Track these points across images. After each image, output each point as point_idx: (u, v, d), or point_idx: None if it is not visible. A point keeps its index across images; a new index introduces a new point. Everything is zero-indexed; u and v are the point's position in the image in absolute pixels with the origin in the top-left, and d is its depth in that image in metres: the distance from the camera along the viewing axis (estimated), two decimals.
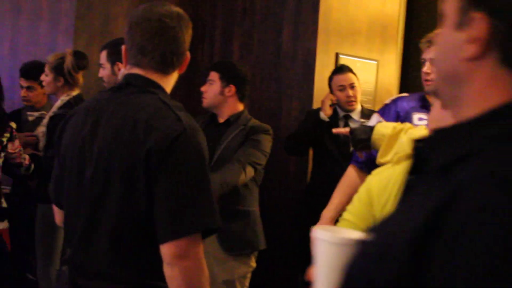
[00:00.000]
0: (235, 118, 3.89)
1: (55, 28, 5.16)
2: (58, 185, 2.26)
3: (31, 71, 4.56)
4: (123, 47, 2.19)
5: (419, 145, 1.09)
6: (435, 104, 1.91)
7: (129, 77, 2.14)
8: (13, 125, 4.01)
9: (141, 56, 2.11)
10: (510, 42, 1.00)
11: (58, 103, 4.29)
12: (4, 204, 3.89)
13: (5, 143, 3.89)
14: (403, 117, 3.22)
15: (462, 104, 1.07)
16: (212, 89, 3.93)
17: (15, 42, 5.39)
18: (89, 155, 2.07)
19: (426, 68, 3.18)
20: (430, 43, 3.16)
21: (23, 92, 4.62)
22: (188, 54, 2.18)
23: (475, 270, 0.83)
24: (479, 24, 1.02)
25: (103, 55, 3.87)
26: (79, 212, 2.10)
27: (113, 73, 3.82)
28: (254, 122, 3.90)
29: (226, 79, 3.91)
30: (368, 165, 3.01)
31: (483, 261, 0.83)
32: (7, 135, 3.85)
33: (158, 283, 2.01)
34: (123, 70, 2.25)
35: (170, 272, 1.95)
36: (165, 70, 2.13)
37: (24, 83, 4.61)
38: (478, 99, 1.04)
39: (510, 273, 0.82)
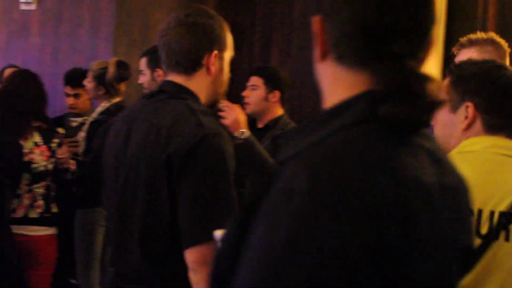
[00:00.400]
0: (273, 123, 3.87)
1: (96, 36, 5.21)
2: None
3: (77, 78, 4.59)
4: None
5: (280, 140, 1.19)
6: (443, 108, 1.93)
7: (162, 84, 2.17)
8: (61, 130, 4.04)
9: (168, 61, 2.12)
10: (341, 42, 1.10)
11: (99, 109, 4.34)
12: (55, 210, 3.93)
13: (54, 148, 3.93)
14: None
15: (324, 101, 1.17)
16: (256, 95, 3.89)
17: (56, 49, 5.46)
18: (122, 163, 2.09)
19: None
20: (462, 46, 3.16)
21: (71, 100, 4.65)
22: (214, 54, 2.12)
23: (272, 238, 0.96)
24: (316, 25, 1.13)
25: (143, 62, 3.91)
26: (114, 218, 2.13)
27: (153, 79, 3.85)
28: (293, 126, 3.86)
29: (271, 85, 3.87)
30: None
31: (280, 234, 0.95)
32: (57, 140, 3.89)
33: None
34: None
35: (194, 278, 1.94)
36: (187, 72, 2.11)
37: (71, 91, 4.64)
38: (328, 96, 1.16)
39: (304, 243, 0.93)
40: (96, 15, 5.23)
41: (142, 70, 3.92)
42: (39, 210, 3.82)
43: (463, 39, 3.31)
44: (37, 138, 3.79)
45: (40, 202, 3.84)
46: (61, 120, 4.67)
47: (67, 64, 4.88)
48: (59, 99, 4.77)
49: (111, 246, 2.19)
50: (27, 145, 3.80)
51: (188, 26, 2.09)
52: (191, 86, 2.12)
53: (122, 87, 4.36)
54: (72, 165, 4.07)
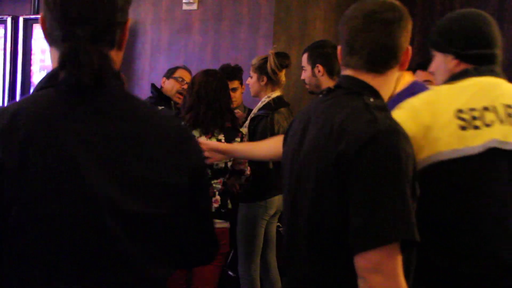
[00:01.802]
0: None
1: (255, 33, 5.30)
2: None
3: (234, 72, 4.70)
4: (338, 48, 2.07)
5: None
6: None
7: (340, 79, 2.04)
8: (244, 131, 4.07)
9: (349, 56, 1.99)
10: (50, 29, 1.56)
11: (259, 104, 4.39)
12: (230, 206, 4.00)
13: None
14: None
15: None
16: None
17: (217, 47, 5.60)
18: (296, 162, 2.01)
19: None
20: None
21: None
22: (409, 49, 2.01)
23: None
24: None
25: (304, 57, 3.93)
26: (285, 220, 2.10)
27: (314, 75, 3.87)
28: None
29: None
30: None
31: None
32: (238, 140, 3.93)
33: None
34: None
35: (362, 285, 1.77)
36: (376, 69, 1.97)
37: (229, 85, 4.73)
38: None
39: None
40: (255, 13, 5.31)
41: (303, 66, 3.95)
42: (215, 205, 3.90)
43: None
44: (220, 136, 3.86)
45: (218, 197, 3.92)
46: None
47: (227, 61, 4.98)
48: None
49: (284, 251, 2.11)
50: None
51: (388, 22, 1.95)
52: (374, 82, 1.98)
53: (283, 76, 4.38)
54: (248, 170, 4.10)
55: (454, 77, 2.31)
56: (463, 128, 2.14)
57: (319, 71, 3.83)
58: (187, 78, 4.68)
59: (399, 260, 1.75)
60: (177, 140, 1.59)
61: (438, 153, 2.12)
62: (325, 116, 1.94)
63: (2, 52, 6.09)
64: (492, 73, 2.28)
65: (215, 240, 1.77)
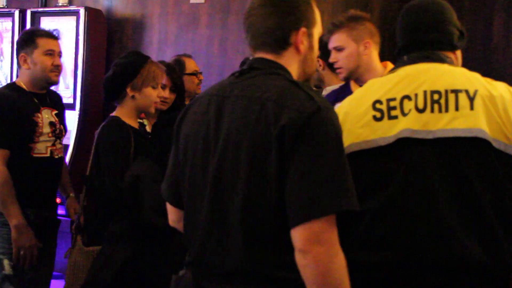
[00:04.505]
0: None
1: None
2: (173, 181, 2.17)
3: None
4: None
5: None
6: None
7: (253, 61, 2.03)
8: None
9: (254, 41, 2.03)
10: None
11: None
12: None
13: None
14: None
15: None
16: None
17: (224, 40, 5.61)
18: (214, 143, 1.96)
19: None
20: (330, 33, 3.30)
21: None
22: (303, 31, 2.01)
23: None
24: None
25: None
26: (202, 207, 1.99)
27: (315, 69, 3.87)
28: None
29: None
30: None
31: None
32: None
33: (290, 275, 1.84)
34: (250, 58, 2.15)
35: (302, 260, 1.78)
36: (276, 49, 2.01)
37: None
38: None
39: None
40: None
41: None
42: None
43: (329, 26, 3.29)
44: None
45: None
46: None
47: (235, 55, 4.99)
48: None
49: (194, 242, 2.02)
50: None
51: (271, 5, 2.00)
52: (281, 63, 2.02)
53: None
54: None
55: (390, 71, 2.31)
56: (377, 119, 2.11)
57: (320, 65, 3.82)
58: (197, 67, 4.69)
59: (336, 230, 1.79)
60: None
61: (348, 146, 2.06)
62: (251, 95, 1.93)
63: (10, 45, 6.10)
64: (426, 59, 2.23)
65: None
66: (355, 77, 3.17)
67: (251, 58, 2.06)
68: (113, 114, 3.33)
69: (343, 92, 3.26)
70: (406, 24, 2.32)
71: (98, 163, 3.23)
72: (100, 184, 3.20)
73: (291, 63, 2.03)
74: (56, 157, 3.77)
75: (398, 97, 2.13)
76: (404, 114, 2.10)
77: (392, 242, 2.08)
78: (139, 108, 3.35)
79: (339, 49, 3.24)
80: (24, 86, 3.69)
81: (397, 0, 5.03)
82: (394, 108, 2.12)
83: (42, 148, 3.68)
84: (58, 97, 3.99)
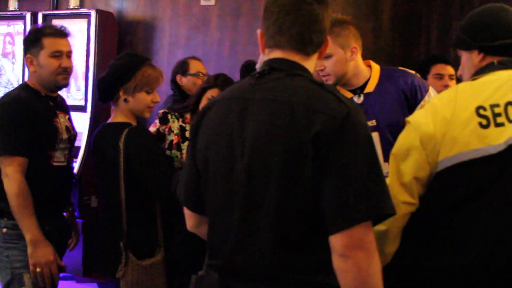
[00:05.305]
0: None
1: None
2: (190, 186, 2.12)
3: (252, 69, 4.70)
4: (258, 32, 2.05)
5: None
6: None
7: (272, 62, 1.97)
8: None
9: (279, 36, 1.96)
10: None
11: None
12: None
13: None
14: None
15: None
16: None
17: (235, 42, 5.62)
18: (239, 146, 1.91)
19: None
20: None
21: None
22: (328, 38, 2.01)
23: None
24: None
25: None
26: (232, 211, 1.94)
27: None
28: None
29: None
30: None
31: None
32: None
33: (320, 278, 1.85)
34: (261, 56, 2.07)
35: (343, 264, 1.77)
36: (305, 50, 1.97)
37: None
38: None
39: None
40: None
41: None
42: None
43: None
44: None
45: None
46: None
47: (245, 57, 4.99)
48: None
49: (223, 245, 1.98)
50: None
51: (326, 6, 1.97)
52: (304, 64, 1.98)
53: None
54: None
55: (478, 72, 2.22)
56: (483, 126, 2.05)
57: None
58: (203, 69, 4.68)
59: (374, 234, 1.80)
60: None
61: (456, 155, 2.03)
62: (275, 98, 1.89)
63: (22, 47, 6.12)
64: None
65: None
66: (343, 82, 3.14)
67: (265, 59, 2.01)
68: (111, 118, 3.26)
69: None
70: (495, 26, 2.24)
71: (128, 175, 3.10)
72: (141, 195, 3.15)
73: (312, 67, 2.01)
74: (71, 164, 3.56)
75: (502, 104, 2.07)
76: (510, 121, 2.05)
77: (480, 245, 2.05)
78: (132, 112, 3.23)
79: (326, 57, 3.12)
80: (37, 88, 3.39)
81: (406, 1, 5.03)
82: (499, 114, 2.06)
83: (61, 156, 3.41)
84: (63, 100, 3.69)
